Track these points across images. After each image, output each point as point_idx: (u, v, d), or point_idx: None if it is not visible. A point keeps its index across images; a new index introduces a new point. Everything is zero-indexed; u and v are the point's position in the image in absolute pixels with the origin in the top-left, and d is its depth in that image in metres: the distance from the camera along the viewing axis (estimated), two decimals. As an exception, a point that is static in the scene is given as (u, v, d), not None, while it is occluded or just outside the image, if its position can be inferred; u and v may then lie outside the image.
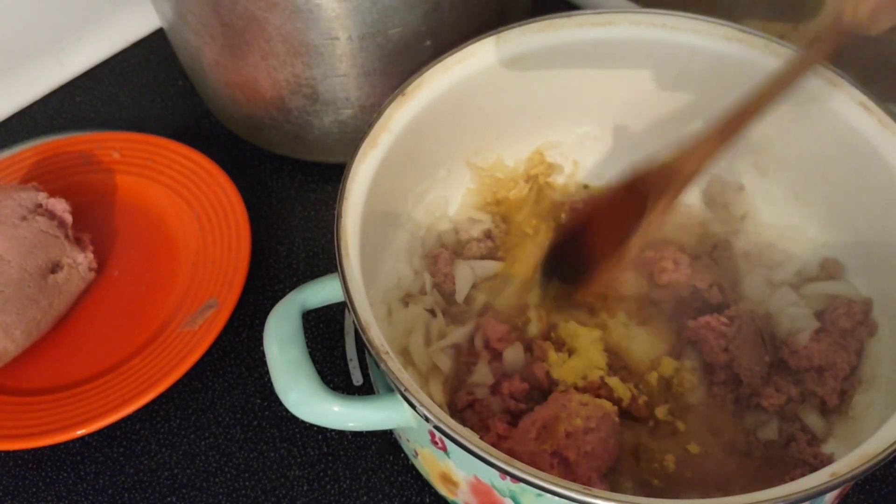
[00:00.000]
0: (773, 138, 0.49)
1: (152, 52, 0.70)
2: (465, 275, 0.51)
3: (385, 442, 0.49)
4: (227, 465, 0.49)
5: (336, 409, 0.39)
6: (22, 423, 0.49)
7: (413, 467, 0.48)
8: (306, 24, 0.50)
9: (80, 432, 0.48)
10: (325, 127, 0.57)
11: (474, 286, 0.52)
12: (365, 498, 0.48)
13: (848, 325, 0.47)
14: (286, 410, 0.50)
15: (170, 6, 0.55)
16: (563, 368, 0.47)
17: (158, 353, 0.51)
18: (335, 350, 0.53)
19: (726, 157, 0.47)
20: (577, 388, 0.46)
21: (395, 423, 0.39)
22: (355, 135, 0.44)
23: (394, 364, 0.37)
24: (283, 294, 0.55)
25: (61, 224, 0.54)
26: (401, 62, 0.53)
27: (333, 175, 0.61)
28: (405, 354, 0.49)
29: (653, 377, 0.48)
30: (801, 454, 0.44)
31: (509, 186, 0.55)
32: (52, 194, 0.55)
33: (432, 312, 0.50)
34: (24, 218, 0.53)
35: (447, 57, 0.48)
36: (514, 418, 0.46)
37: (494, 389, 0.47)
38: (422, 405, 0.36)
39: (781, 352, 0.48)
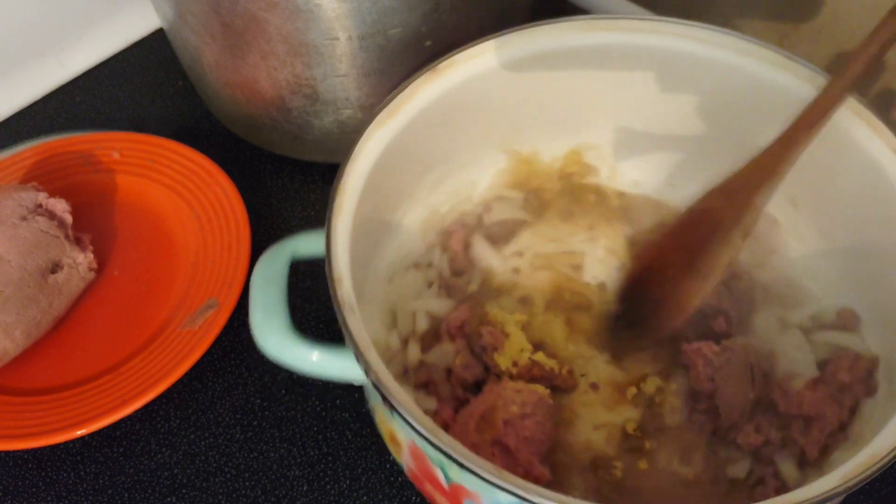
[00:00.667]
0: (808, 172, 0.47)
1: (152, 52, 0.70)
2: (481, 252, 0.52)
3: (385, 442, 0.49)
4: (227, 465, 0.49)
5: (299, 349, 0.41)
6: (22, 423, 0.49)
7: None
8: (306, 24, 0.50)
9: (79, 432, 0.48)
10: (325, 127, 0.57)
11: (490, 276, 0.52)
12: (365, 498, 0.48)
13: (848, 379, 0.45)
14: (286, 410, 0.51)
15: (170, 6, 0.55)
16: (498, 357, 0.48)
17: (158, 353, 0.51)
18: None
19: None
20: (511, 376, 0.47)
21: (349, 376, 0.40)
22: (355, 135, 0.44)
23: (353, 319, 0.38)
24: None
25: (61, 224, 0.54)
26: (401, 62, 0.53)
27: (333, 175, 0.61)
28: (392, 315, 0.50)
29: (631, 391, 0.47)
30: (766, 499, 0.43)
31: (542, 179, 0.55)
32: (52, 194, 0.55)
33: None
34: (24, 218, 0.53)
35: (483, 42, 0.47)
36: (462, 406, 0.47)
37: (448, 374, 0.48)
38: (366, 361, 0.37)
39: (773, 393, 0.46)
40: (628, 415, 0.47)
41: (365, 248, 0.44)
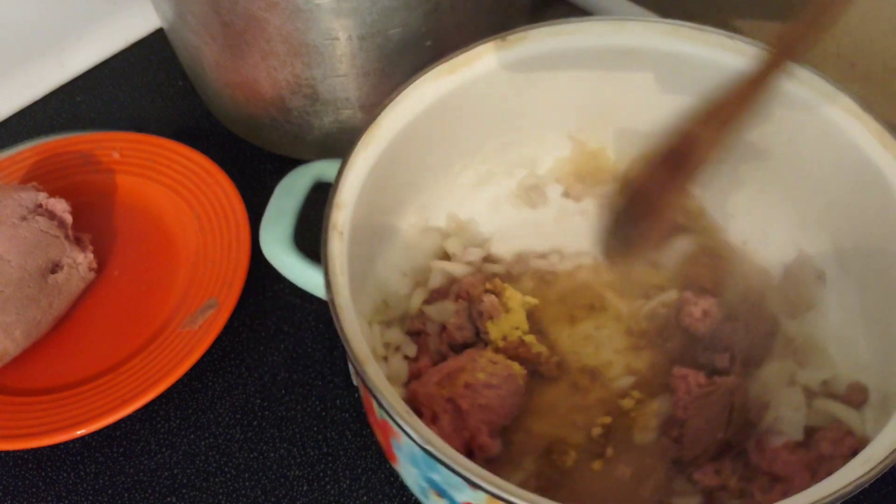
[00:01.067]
0: (861, 241, 0.47)
1: (152, 52, 0.70)
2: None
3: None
4: (227, 465, 0.49)
5: (287, 256, 0.43)
6: (22, 423, 0.49)
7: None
8: (306, 24, 0.50)
9: (79, 432, 0.48)
10: (325, 127, 0.57)
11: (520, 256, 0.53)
12: (365, 498, 0.48)
13: (829, 452, 0.43)
14: (286, 410, 0.51)
15: (170, 6, 0.56)
16: (490, 326, 0.49)
17: (158, 353, 0.51)
18: (335, 350, 0.53)
19: (820, 240, 0.48)
20: (497, 349, 0.48)
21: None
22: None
23: (335, 242, 0.41)
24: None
25: (61, 224, 0.54)
26: (401, 62, 0.53)
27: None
28: (412, 264, 0.52)
29: (611, 400, 0.48)
30: None
31: (603, 177, 0.55)
32: (52, 194, 0.55)
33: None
34: (24, 218, 0.53)
35: (559, 24, 0.48)
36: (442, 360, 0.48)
37: (442, 331, 0.49)
38: (329, 279, 0.39)
39: (749, 442, 0.45)
40: (600, 420, 0.47)
41: (396, 193, 0.48)
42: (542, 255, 0.53)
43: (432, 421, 0.44)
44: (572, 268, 0.53)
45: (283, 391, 0.52)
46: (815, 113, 0.45)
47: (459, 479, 0.35)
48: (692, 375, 0.46)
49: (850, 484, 0.34)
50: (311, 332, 0.54)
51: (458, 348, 0.49)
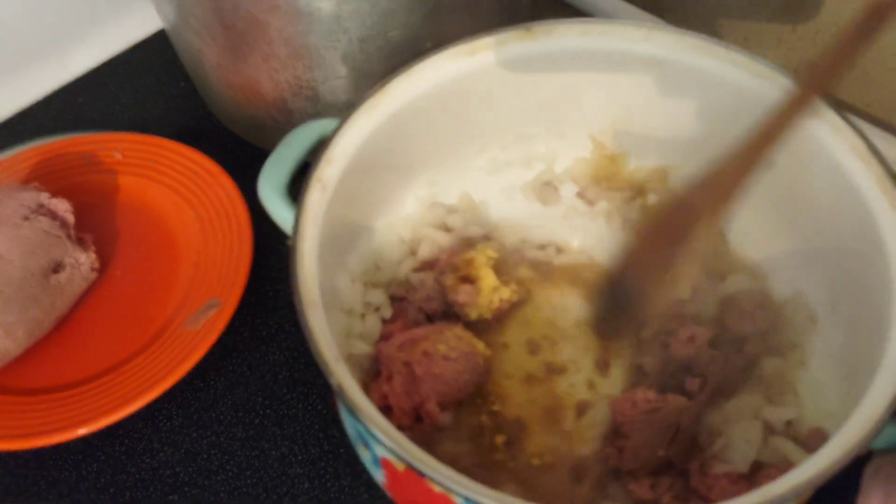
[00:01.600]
0: (854, 295, 0.45)
1: (154, 53, 0.71)
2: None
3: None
4: (229, 463, 0.50)
5: (277, 202, 0.45)
6: (24, 422, 0.49)
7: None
8: (307, 26, 0.50)
9: (81, 431, 0.48)
10: (325, 128, 0.58)
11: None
12: (366, 496, 0.48)
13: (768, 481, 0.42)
14: (287, 409, 0.51)
15: (172, 8, 0.56)
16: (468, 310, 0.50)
17: (160, 352, 0.51)
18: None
19: (818, 280, 0.47)
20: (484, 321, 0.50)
21: None
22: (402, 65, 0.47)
23: (314, 195, 0.42)
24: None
25: (63, 224, 0.54)
26: (401, 64, 0.53)
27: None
28: (413, 232, 0.53)
29: (567, 403, 0.48)
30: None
31: (620, 185, 0.55)
32: (54, 194, 0.55)
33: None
34: (26, 218, 0.53)
35: (588, 22, 0.48)
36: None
37: (422, 300, 0.50)
38: (298, 240, 0.41)
39: (692, 464, 0.45)
40: (549, 415, 0.48)
41: (402, 162, 0.49)
42: (541, 247, 0.54)
43: (387, 380, 0.46)
44: (568, 262, 0.54)
45: (285, 390, 0.52)
46: (823, 147, 0.45)
47: (367, 432, 0.37)
48: (641, 392, 0.46)
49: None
50: (305, 334, 0.54)
51: (436, 319, 0.50)
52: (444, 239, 0.53)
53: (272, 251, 0.58)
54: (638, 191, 0.54)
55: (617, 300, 0.44)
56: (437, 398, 0.46)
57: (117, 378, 0.51)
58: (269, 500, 0.48)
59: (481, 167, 0.55)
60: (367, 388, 0.47)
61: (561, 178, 0.55)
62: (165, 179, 0.59)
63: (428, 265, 0.52)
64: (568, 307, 0.52)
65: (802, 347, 0.48)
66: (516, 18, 0.58)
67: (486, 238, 0.54)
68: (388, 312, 0.51)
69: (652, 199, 0.54)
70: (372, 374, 0.48)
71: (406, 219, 0.53)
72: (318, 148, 0.45)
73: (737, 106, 0.39)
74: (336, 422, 0.51)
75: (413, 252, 0.53)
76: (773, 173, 0.45)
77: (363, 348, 0.48)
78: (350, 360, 0.47)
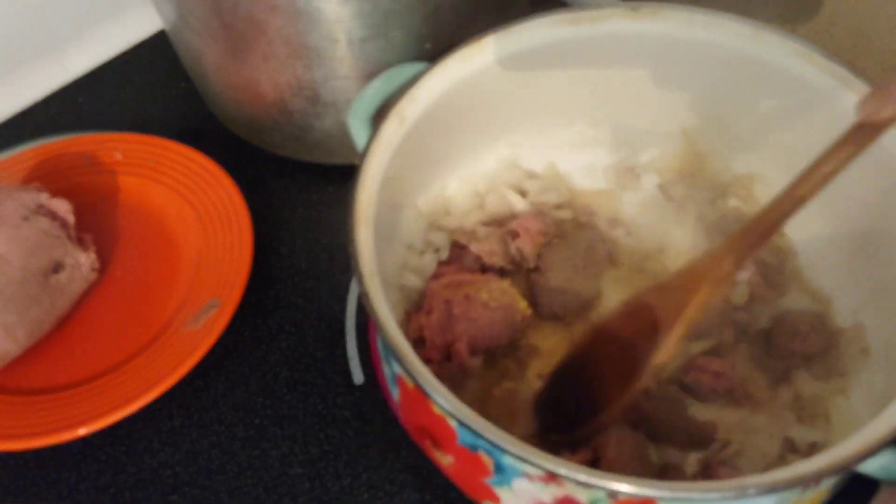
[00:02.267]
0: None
1: (154, 53, 0.71)
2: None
3: (387, 441, 0.50)
4: (230, 463, 0.50)
5: (360, 130, 0.45)
6: (24, 422, 0.49)
7: (414, 466, 0.49)
8: (307, 26, 0.50)
9: (82, 431, 0.48)
10: (326, 129, 0.57)
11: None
12: (366, 495, 0.48)
13: None
14: (288, 409, 0.51)
15: (171, 8, 0.56)
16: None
17: (161, 352, 0.51)
18: (336, 349, 0.54)
19: (882, 315, 0.45)
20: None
21: None
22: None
23: (390, 128, 0.43)
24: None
25: (63, 224, 0.54)
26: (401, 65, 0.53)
27: (335, 176, 0.62)
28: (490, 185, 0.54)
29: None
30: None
31: (704, 184, 0.54)
32: (54, 195, 0.55)
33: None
34: (26, 218, 0.53)
35: (695, 11, 0.47)
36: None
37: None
38: (365, 164, 0.42)
39: (697, 456, 0.45)
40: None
41: (483, 118, 0.50)
42: (612, 225, 0.54)
43: (427, 313, 0.47)
44: (636, 246, 0.54)
45: (285, 390, 0.52)
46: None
47: (384, 345, 0.38)
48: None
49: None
50: (312, 332, 0.54)
51: (494, 272, 0.51)
52: (518, 202, 0.53)
53: (272, 251, 0.58)
54: (720, 193, 0.53)
55: (560, 401, 0.45)
56: (468, 341, 0.47)
57: (117, 378, 0.51)
58: (269, 500, 0.48)
59: (567, 140, 0.55)
60: (409, 317, 0.49)
61: (645, 166, 0.55)
62: (166, 180, 0.59)
63: (496, 222, 0.53)
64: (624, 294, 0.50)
65: (847, 377, 0.47)
66: (515, 18, 0.58)
67: (559, 207, 0.54)
68: (445, 253, 0.52)
69: (733, 203, 0.53)
70: (418, 308, 0.49)
71: (484, 174, 0.54)
72: (405, 85, 0.45)
73: (831, 120, 0.37)
74: (336, 421, 0.51)
75: (482, 206, 0.54)
76: (860, 207, 0.45)
77: (415, 282, 0.50)
78: (402, 290, 0.50)
